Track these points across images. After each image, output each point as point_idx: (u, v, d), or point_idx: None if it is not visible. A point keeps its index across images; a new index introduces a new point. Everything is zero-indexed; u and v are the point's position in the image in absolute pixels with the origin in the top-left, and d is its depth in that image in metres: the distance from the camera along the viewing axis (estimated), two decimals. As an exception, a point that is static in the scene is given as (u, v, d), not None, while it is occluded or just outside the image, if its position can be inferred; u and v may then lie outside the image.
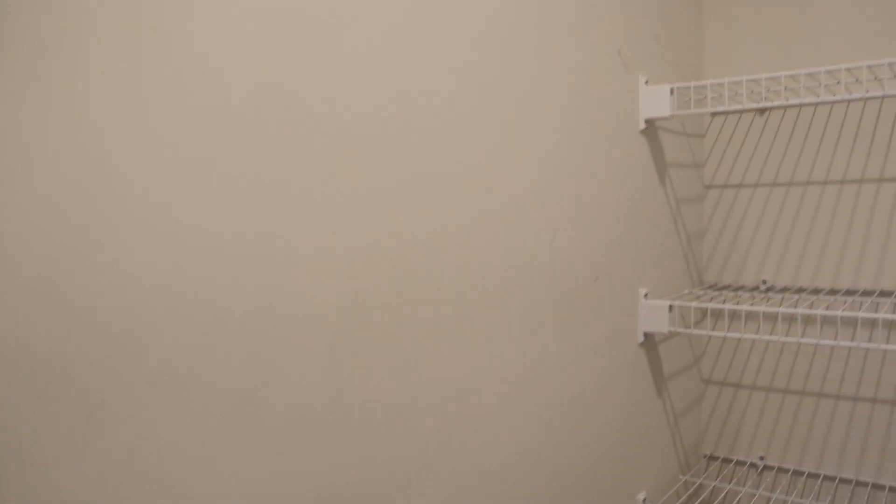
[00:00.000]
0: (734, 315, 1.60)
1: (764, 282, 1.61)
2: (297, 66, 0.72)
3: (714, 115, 1.65)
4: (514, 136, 1.03)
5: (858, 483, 1.51)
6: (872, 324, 1.44)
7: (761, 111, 1.60)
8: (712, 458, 1.68)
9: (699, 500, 1.59)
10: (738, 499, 1.59)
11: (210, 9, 0.64)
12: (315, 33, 0.74)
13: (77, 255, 0.56)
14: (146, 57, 0.59)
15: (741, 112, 1.61)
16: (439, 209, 0.90)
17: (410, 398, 0.87)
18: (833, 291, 1.52)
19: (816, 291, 1.53)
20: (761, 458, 1.62)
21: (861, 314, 1.17)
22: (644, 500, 1.39)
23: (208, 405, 0.65)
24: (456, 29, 0.92)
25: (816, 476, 1.55)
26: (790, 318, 1.55)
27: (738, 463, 1.65)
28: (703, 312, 1.64)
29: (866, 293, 1.48)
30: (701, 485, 1.61)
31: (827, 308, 1.43)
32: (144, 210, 0.60)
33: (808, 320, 1.51)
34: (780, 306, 1.40)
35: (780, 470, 1.60)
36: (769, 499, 1.55)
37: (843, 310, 1.21)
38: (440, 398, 0.91)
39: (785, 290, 1.57)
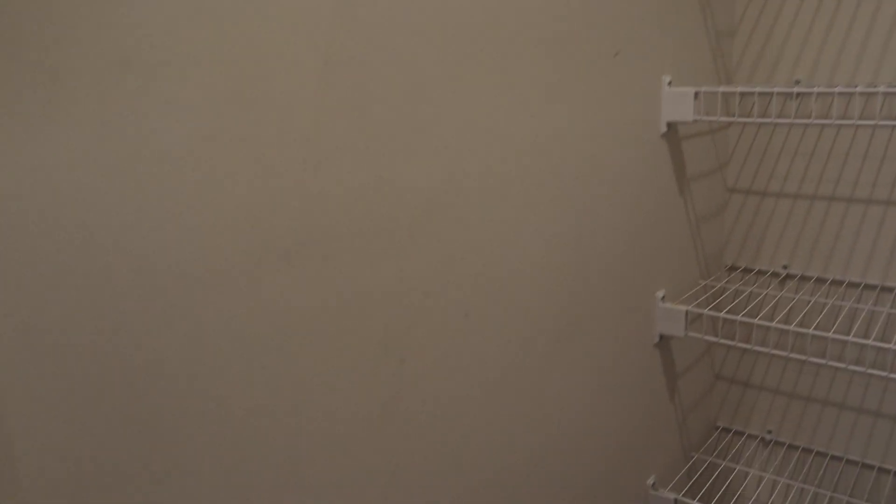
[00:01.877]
0: (763, 115, 1.52)
1: (797, 81, 1.51)
2: None
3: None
4: None
5: (884, 288, 1.47)
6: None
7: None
8: (734, 268, 1.65)
9: (717, 302, 1.56)
10: (759, 300, 1.57)
11: None
12: None
13: None
14: None
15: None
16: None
17: (406, 145, 0.82)
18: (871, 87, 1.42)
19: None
20: (784, 267, 1.58)
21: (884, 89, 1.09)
22: (663, 297, 1.37)
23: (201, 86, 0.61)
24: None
25: (840, 283, 1.52)
26: (823, 115, 1.46)
27: (760, 272, 1.62)
28: (730, 111, 1.55)
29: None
30: (722, 288, 1.59)
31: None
32: None
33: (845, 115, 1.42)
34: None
35: (803, 278, 1.56)
36: (791, 301, 1.53)
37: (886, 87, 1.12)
38: (439, 155, 0.85)
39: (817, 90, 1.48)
